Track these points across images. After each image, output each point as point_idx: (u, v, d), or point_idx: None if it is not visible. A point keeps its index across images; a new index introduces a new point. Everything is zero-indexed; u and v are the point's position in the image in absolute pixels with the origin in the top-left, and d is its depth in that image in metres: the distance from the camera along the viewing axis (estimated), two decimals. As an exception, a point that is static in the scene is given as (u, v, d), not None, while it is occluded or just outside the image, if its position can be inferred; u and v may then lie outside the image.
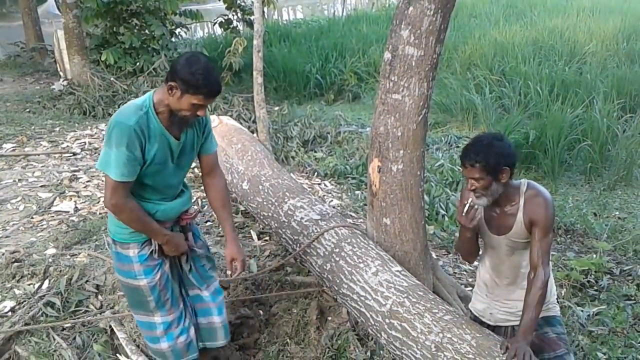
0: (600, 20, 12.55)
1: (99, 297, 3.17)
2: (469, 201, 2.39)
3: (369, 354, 2.96)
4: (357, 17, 14.88)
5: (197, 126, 2.47)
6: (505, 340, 2.33)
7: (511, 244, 2.46)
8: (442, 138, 7.68)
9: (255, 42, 5.85)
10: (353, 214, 4.64)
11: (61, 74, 9.02)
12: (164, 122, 2.30)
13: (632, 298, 3.93)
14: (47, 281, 3.23)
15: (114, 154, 2.19)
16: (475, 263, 4.43)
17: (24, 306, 3.03)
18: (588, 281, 4.08)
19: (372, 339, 3.02)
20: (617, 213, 5.66)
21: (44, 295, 3.09)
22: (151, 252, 2.43)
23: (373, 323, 2.74)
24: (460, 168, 5.90)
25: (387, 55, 2.94)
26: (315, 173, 5.75)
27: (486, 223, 2.51)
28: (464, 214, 2.42)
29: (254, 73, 5.88)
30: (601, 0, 16.13)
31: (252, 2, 6.90)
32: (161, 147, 2.30)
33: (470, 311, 2.77)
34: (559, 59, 9.78)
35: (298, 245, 3.33)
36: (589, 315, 3.66)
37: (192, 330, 2.64)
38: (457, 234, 4.79)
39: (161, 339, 2.54)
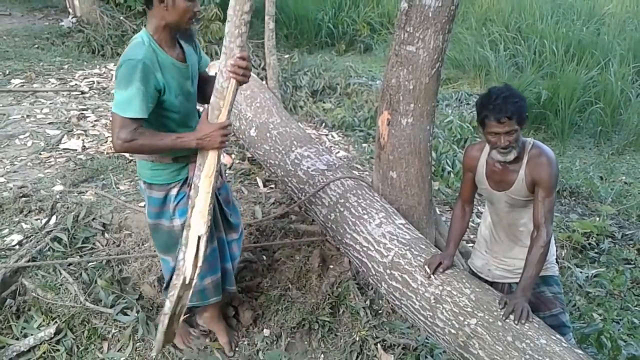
0: (623, -20, 12.17)
1: (105, 235, 3.21)
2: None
3: (368, 302, 3.02)
4: (373, -35, 14.47)
5: (192, 44, 2.42)
6: (504, 295, 2.37)
7: (510, 200, 2.47)
8: (453, 94, 7.59)
9: (268, -15, 5.71)
10: (359, 167, 4.64)
11: (70, 10, 8.85)
12: (167, 50, 2.26)
13: (632, 262, 3.97)
14: (54, 217, 3.26)
15: (127, 92, 2.11)
16: (478, 220, 4.47)
17: (31, 240, 3.07)
18: (589, 243, 4.12)
19: (372, 289, 3.07)
20: (624, 178, 5.64)
21: (51, 231, 3.12)
22: (185, 194, 2.38)
23: (374, 273, 2.78)
24: (470, 125, 5.88)
25: (404, 4, 2.87)
26: (323, 124, 5.72)
27: (487, 178, 2.51)
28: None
29: (266, 18, 5.76)
30: (625, -41, 15.62)
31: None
32: (173, 75, 2.27)
33: (469, 267, 2.81)
34: (577, 19, 9.55)
35: (303, 194, 3.35)
36: (587, 277, 3.71)
37: (219, 272, 2.62)
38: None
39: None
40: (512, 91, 2.30)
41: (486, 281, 2.64)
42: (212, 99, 2.19)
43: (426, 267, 2.56)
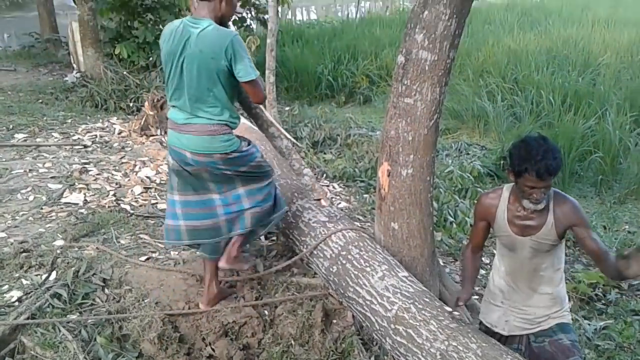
0: (615, 32, 12.47)
1: (105, 290, 3.17)
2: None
3: (373, 358, 2.95)
4: (370, 20, 14.86)
5: None
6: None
7: (536, 245, 2.46)
8: (453, 144, 7.66)
9: (268, 41, 5.85)
10: (361, 217, 4.63)
11: (74, 66, 9.06)
12: None
13: (640, 313, 3.90)
14: (54, 272, 3.24)
15: (249, 59, 2.76)
16: (482, 272, 4.42)
17: (30, 296, 3.03)
18: (596, 294, 4.06)
19: (376, 344, 3.01)
20: (627, 227, 5.61)
21: (51, 287, 3.09)
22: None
23: (378, 328, 2.73)
24: (470, 175, 5.90)
25: (401, 58, 2.93)
26: (324, 175, 5.74)
27: (509, 224, 2.50)
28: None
29: (267, 72, 5.89)
30: (616, 12, 16.06)
31: (267, 1, 6.91)
32: None
33: (481, 322, 2.76)
34: (572, 69, 9.73)
35: (305, 246, 3.32)
36: (596, 329, 3.64)
37: None
38: (464, 242, 4.78)
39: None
40: (550, 145, 2.31)
41: (501, 336, 2.60)
42: None
43: (445, 307, 2.53)
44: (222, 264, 3.05)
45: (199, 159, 2.80)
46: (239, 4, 2.74)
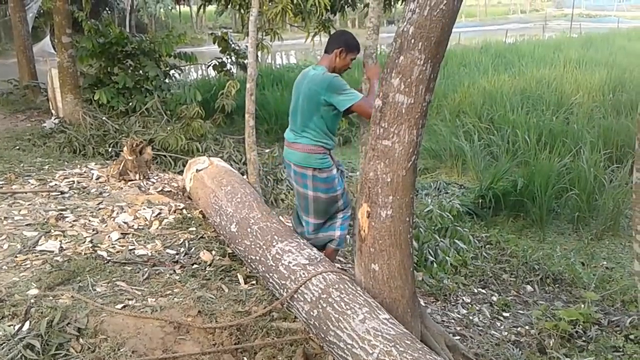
0: (587, 72, 12.87)
1: (80, 340, 3.08)
2: None
3: (355, 404, 2.89)
4: (349, 63, 15.10)
5: None
6: None
7: None
8: (432, 184, 7.73)
9: (248, 85, 5.90)
10: (342, 259, 4.61)
11: (53, 112, 9.03)
12: None
13: (620, 350, 3.90)
14: (27, 322, 3.14)
15: (347, 91, 3.57)
16: (464, 311, 4.41)
17: (3, 348, 2.94)
18: (576, 331, 4.06)
19: (358, 389, 2.95)
20: (605, 263, 5.67)
21: (24, 337, 2.99)
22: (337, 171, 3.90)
23: (360, 372, 2.69)
24: (449, 214, 5.94)
25: (378, 102, 2.98)
26: (305, 216, 5.72)
27: None
28: None
29: (246, 116, 5.92)
30: (587, 53, 16.60)
31: (246, 47, 7.01)
32: None
33: None
34: (546, 109, 9.98)
35: (285, 290, 3.29)
36: (577, 367, 3.62)
37: None
38: (445, 281, 4.77)
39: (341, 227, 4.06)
40: None
41: None
42: None
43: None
44: None
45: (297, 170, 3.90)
46: (351, 61, 3.83)
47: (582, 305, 4.43)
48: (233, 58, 10.57)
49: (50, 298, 3.42)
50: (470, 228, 6.23)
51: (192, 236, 4.53)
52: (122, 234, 4.51)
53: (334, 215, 4.02)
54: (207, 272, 3.95)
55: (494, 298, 4.81)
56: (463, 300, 4.70)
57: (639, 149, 1.75)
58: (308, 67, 3.91)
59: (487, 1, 50.08)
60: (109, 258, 4.03)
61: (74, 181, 5.95)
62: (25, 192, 5.47)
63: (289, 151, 3.93)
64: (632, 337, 4.05)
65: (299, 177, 3.88)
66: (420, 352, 2.58)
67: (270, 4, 6.90)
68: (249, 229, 3.85)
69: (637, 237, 1.87)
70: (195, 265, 4.06)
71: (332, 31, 10.10)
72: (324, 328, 2.93)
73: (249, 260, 3.77)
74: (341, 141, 10.00)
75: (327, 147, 3.80)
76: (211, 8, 12.06)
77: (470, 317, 4.39)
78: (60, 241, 4.31)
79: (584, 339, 4.02)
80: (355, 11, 10.48)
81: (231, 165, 6.19)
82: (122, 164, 5.99)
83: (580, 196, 6.70)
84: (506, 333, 4.20)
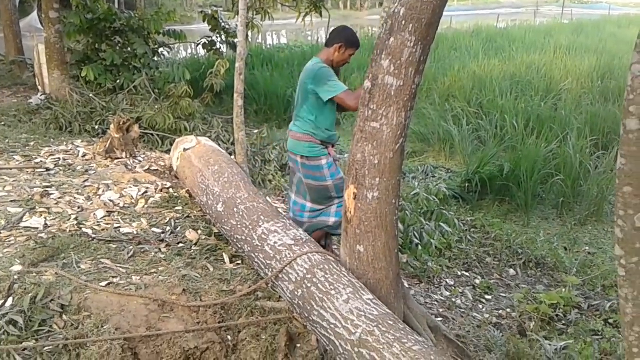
0: (577, 59, 12.91)
1: (64, 316, 3.08)
2: None
3: (337, 382, 2.93)
4: (339, 45, 15.01)
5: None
6: None
7: None
8: (419, 167, 7.76)
9: (237, 64, 5.86)
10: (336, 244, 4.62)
11: (40, 88, 8.92)
12: None
13: (599, 333, 3.97)
14: (10, 299, 3.13)
15: (331, 82, 3.65)
16: (447, 294, 4.46)
17: (-15, 324, 2.93)
18: (557, 315, 4.12)
19: (340, 368, 2.98)
20: (587, 248, 5.74)
21: (6, 314, 2.99)
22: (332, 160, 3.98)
23: (342, 352, 2.71)
24: (435, 197, 5.98)
25: (367, 84, 2.97)
26: (292, 197, 5.73)
27: None
28: None
29: (235, 95, 5.88)
30: (578, 40, 16.64)
31: (237, 25, 6.95)
32: None
33: None
34: (535, 94, 10.01)
35: (270, 270, 3.30)
36: (556, 349, 3.69)
37: None
38: (429, 263, 4.82)
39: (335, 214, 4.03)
40: None
41: None
42: None
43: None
44: None
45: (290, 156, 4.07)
46: (349, 57, 3.88)
47: (563, 290, 4.50)
48: (223, 37, 10.46)
49: (34, 274, 3.41)
50: (456, 212, 6.28)
51: (178, 215, 4.52)
52: (107, 211, 4.49)
53: (330, 202, 4.10)
54: (192, 251, 3.95)
55: (477, 281, 4.87)
56: (446, 282, 4.75)
57: (624, 135, 1.77)
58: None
59: (479, -15, 49.89)
60: (94, 236, 4.02)
61: (59, 158, 5.90)
62: (10, 169, 5.42)
63: (288, 138, 4.11)
64: (611, 321, 4.13)
65: (292, 163, 4.12)
66: (402, 332, 2.61)
67: (260, -18, 6.82)
68: (235, 209, 3.85)
69: (619, 222, 1.89)
70: (180, 244, 4.07)
71: (324, 12, 10.06)
72: (308, 308, 2.95)
73: (235, 240, 3.77)
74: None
75: (316, 137, 3.91)
76: (201, -15, 11.88)
77: (453, 300, 4.44)
78: (45, 218, 4.28)
79: (564, 322, 4.09)
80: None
81: (219, 145, 6.16)
82: (109, 141, 5.94)
83: (565, 182, 6.76)
84: (488, 315, 4.26)
